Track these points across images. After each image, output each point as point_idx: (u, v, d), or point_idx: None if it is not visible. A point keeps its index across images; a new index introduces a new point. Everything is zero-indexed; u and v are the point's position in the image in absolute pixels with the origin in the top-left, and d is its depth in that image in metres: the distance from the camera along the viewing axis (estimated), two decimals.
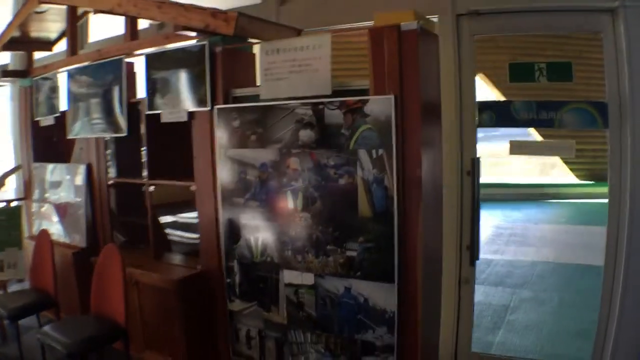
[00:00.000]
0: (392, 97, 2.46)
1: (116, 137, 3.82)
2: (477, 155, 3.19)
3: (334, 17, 3.59)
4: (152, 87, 3.38)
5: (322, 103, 2.61)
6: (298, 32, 3.08)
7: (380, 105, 2.49)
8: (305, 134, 2.68)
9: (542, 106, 2.96)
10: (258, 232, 2.97)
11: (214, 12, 2.66)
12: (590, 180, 8.92)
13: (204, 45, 3.03)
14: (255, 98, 2.95)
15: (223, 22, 2.65)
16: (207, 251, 3.27)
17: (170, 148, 3.63)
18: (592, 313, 3.22)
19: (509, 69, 2.99)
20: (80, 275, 3.91)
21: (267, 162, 2.85)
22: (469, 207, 3.18)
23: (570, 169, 10.70)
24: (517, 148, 3.03)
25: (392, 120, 2.47)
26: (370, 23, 2.61)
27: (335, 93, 2.62)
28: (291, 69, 2.71)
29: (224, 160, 3.04)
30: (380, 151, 2.51)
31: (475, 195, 3.16)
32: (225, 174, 3.05)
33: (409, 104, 2.46)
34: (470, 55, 3.07)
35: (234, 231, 3.07)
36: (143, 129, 3.68)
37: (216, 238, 3.18)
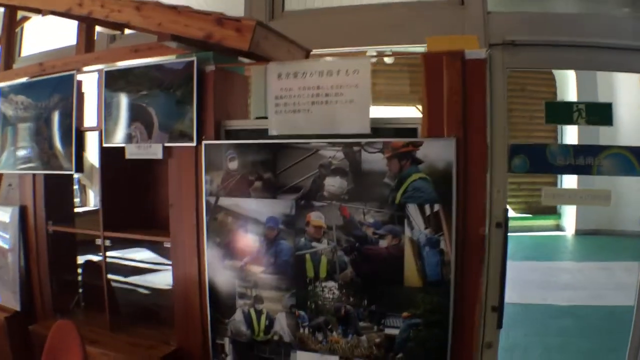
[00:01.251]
0: (453, 139, 1.83)
1: (61, 174, 2.79)
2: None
3: (333, 38, 2.94)
4: (113, 112, 2.47)
5: (358, 144, 1.92)
6: (307, 53, 2.37)
7: (437, 150, 1.85)
8: (334, 183, 1.96)
9: (579, 151, 2.50)
10: (261, 303, 2.15)
11: (220, 18, 1.89)
12: (529, 214, 9.06)
13: (191, 63, 2.21)
14: (252, 134, 2.19)
15: (234, 33, 1.88)
16: (185, 324, 2.38)
17: (134, 191, 2.71)
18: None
19: (546, 108, 2.51)
20: (17, 348, 2.79)
21: (278, 217, 2.07)
22: (497, 264, 2.63)
23: (509, 203, 10.75)
24: (551, 197, 2.53)
25: (453, 168, 1.83)
26: (386, 47, 2.00)
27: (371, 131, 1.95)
28: (314, 99, 1.99)
29: (214, 211, 2.21)
30: (437, 206, 1.86)
31: (505, 250, 2.62)
32: (215, 229, 2.21)
33: (474, 147, 1.86)
34: (503, 90, 2.56)
35: (227, 301, 2.23)
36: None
37: (199, 308, 2.31)
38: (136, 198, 2.76)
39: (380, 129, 1.95)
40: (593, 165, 2.49)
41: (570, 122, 2.47)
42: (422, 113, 1.89)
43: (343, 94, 1.94)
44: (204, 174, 2.21)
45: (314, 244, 2.02)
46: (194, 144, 2.23)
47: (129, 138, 2.47)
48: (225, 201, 2.18)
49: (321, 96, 1.97)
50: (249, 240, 2.14)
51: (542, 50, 2.49)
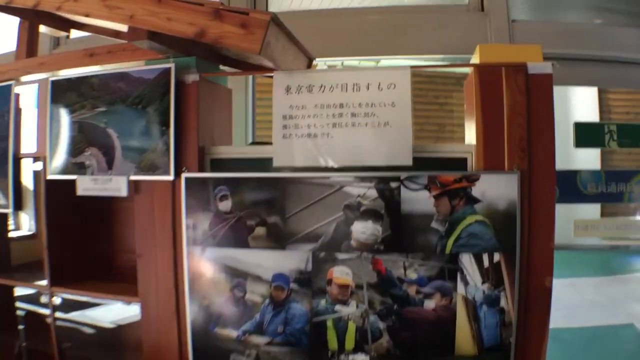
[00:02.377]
0: (517, 173, 1.38)
1: None
2: None
3: (328, 46, 2.42)
4: (61, 134, 1.81)
5: (396, 179, 1.41)
6: (309, 62, 1.84)
7: (498, 186, 1.39)
8: (365, 229, 1.44)
9: (611, 176, 2.14)
10: None
11: (219, 10, 1.34)
12: None
13: (167, 71, 1.62)
14: (246, 165, 1.62)
15: (239, 30, 1.32)
16: None
17: (88, 230, 2.04)
18: None
19: (575, 130, 2.14)
20: None
21: (288, 274, 1.51)
22: None
23: None
24: (583, 229, 2.16)
25: (517, 209, 1.37)
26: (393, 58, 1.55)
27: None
28: (336, 120, 1.47)
29: (200, 265, 1.61)
30: (497, 255, 1.39)
31: None
32: (202, 289, 1.61)
33: (540, 182, 1.41)
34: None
35: None
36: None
37: None
38: (92, 238, 2.09)
39: (419, 159, 1.46)
40: (625, 192, 2.15)
41: (601, 144, 2.12)
42: (476, 139, 1.42)
43: (375, 114, 1.43)
44: (184, 216, 1.61)
45: (337, 307, 1.48)
46: (171, 177, 1.63)
47: (82, 168, 1.82)
48: (215, 253, 1.59)
49: (346, 116, 1.45)
50: (249, 303, 1.56)
51: (564, 66, 2.13)
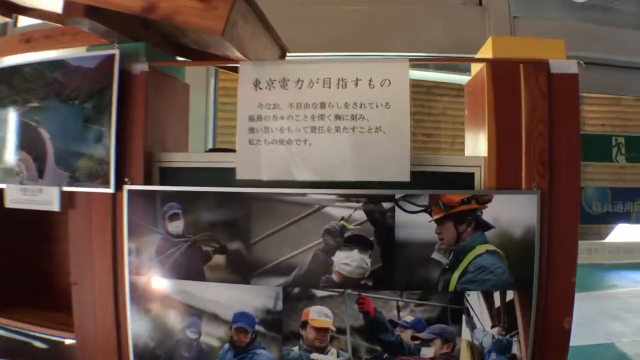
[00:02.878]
0: (536, 193, 1.10)
1: None
2: None
3: (310, 39, 2.10)
4: None
5: (389, 198, 1.11)
6: (282, 53, 1.52)
7: (513, 208, 1.11)
8: (350, 259, 1.13)
9: (618, 194, 1.90)
10: None
11: None
12: None
13: (110, 58, 1.28)
14: (204, 177, 1.29)
15: (199, 4, 1.00)
16: None
17: (24, 250, 1.67)
18: None
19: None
20: None
21: (253, 313, 1.19)
22: None
23: None
24: (587, 253, 1.91)
25: (536, 237, 1.09)
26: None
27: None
28: (316, 124, 1.16)
29: (144, 299, 1.26)
30: (511, 293, 1.10)
31: None
32: (147, 326, 1.26)
33: (563, 205, 1.13)
34: None
35: None
36: None
37: None
38: (26, 255, 1.72)
39: (415, 173, 1.16)
40: (632, 212, 1.91)
41: (608, 159, 1.87)
42: (487, 150, 1.13)
43: (365, 116, 1.13)
44: (126, 238, 1.27)
45: (314, 355, 1.16)
46: (111, 189, 1.29)
47: (11, 175, 1.46)
48: (163, 284, 1.25)
49: (328, 119, 1.15)
50: (204, 347, 1.22)
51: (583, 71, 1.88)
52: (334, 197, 1.13)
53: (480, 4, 1.94)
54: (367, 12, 1.98)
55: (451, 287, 1.12)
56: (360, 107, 1.13)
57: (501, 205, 1.12)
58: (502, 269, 1.13)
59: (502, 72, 1.14)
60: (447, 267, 1.12)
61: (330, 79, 1.15)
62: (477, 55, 1.28)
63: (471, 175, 1.17)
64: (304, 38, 1.91)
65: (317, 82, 1.15)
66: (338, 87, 1.14)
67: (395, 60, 1.13)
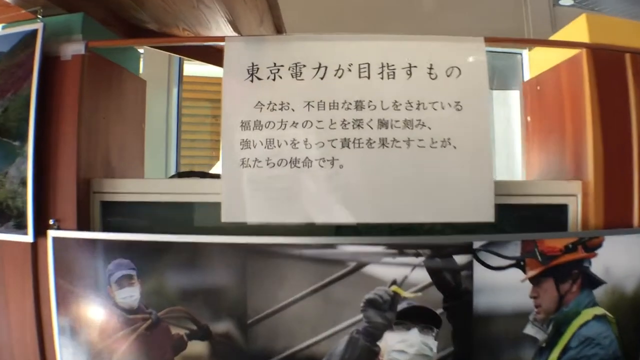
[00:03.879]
0: None
1: None
2: None
3: (316, 25, 1.61)
4: None
5: (464, 248, 0.69)
6: (277, 28, 1.04)
7: (624, 255, 0.73)
8: (407, 344, 0.70)
9: None
10: None
11: None
12: None
13: (30, 37, 0.76)
14: (167, 215, 0.80)
15: None
16: None
17: None
18: None
19: None
20: None
21: None
22: None
23: None
24: None
25: None
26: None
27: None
28: (349, 134, 0.71)
29: None
30: None
31: None
32: None
33: None
34: None
35: None
36: None
37: None
38: None
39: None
40: None
41: None
42: (593, 171, 0.75)
43: (426, 123, 0.70)
44: (54, 312, 0.75)
45: None
46: (29, 237, 0.76)
47: None
48: None
49: (368, 127, 0.70)
50: None
51: None
52: (380, 249, 0.69)
53: None
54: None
55: None
56: (418, 107, 0.70)
57: (613, 250, 0.75)
58: (610, 339, 0.76)
59: (606, 63, 0.77)
60: (543, 344, 0.73)
61: (369, 64, 0.71)
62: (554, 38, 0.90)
63: (563, 209, 0.79)
64: (314, 21, 1.39)
65: (350, 69, 0.71)
66: (382, 77, 0.71)
67: (467, 40, 0.71)
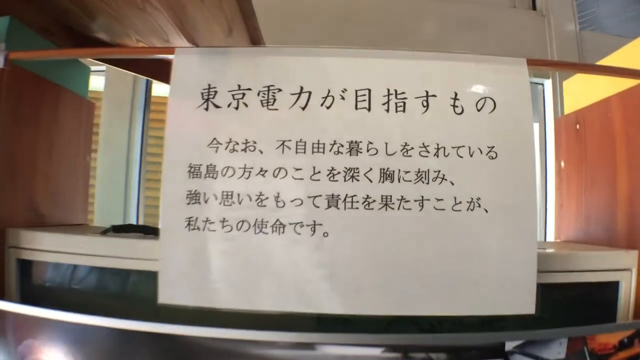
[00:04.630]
0: None
1: None
2: None
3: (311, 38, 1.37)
4: None
5: (494, 349, 0.47)
6: (253, 42, 0.82)
7: None
8: None
9: None
10: None
11: None
12: None
13: None
14: (100, 283, 0.57)
15: None
16: None
17: None
18: None
19: None
20: None
21: None
22: None
23: None
24: None
25: None
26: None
27: None
28: (341, 188, 0.49)
29: None
30: None
31: None
32: None
33: None
34: None
35: None
36: None
37: None
38: None
39: None
40: None
41: None
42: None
43: (447, 176, 0.49)
44: None
45: None
46: None
47: None
48: None
49: (366, 179, 0.49)
50: None
51: None
52: (376, 351, 0.48)
53: (534, 8, 1.33)
54: (393, 9, 1.30)
55: None
56: (437, 154, 0.49)
57: None
58: None
59: None
60: None
61: (369, 90, 0.49)
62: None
63: (612, 288, 0.58)
64: (305, 33, 1.14)
65: (343, 97, 0.49)
66: (387, 109, 0.49)
67: (502, 60, 0.50)
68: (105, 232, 0.57)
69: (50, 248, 0.56)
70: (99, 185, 0.74)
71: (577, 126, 0.69)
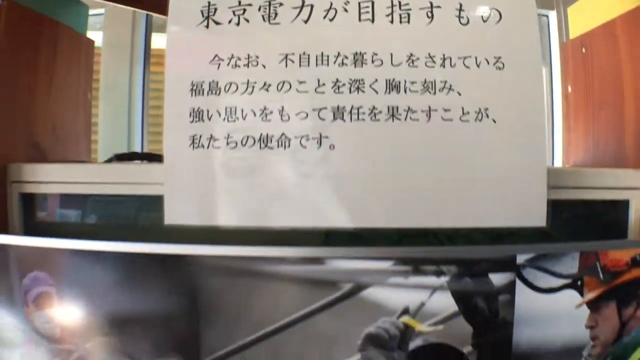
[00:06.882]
0: None
1: None
2: None
3: None
4: None
5: (504, 264, 0.43)
6: None
7: None
8: None
9: None
10: None
11: None
12: None
13: None
14: (104, 212, 0.53)
15: None
16: None
17: None
18: None
19: None
20: None
21: None
22: None
23: None
24: None
25: None
26: None
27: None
28: (343, 100, 0.45)
29: None
30: None
31: None
32: None
33: None
34: None
35: None
36: None
37: None
38: None
39: None
40: None
41: None
42: None
43: (454, 86, 0.45)
44: None
45: None
46: None
47: None
48: None
49: (372, 91, 0.45)
50: None
51: None
52: (386, 265, 0.44)
53: None
54: None
55: None
56: (443, 64, 0.44)
57: None
58: None
59: None
60: None
61: (373, 2, 0.45)
62: None
63: (624, 205, 0.54)
64: None
65: (346, 9, 0.44)
66: (391, 21, 0.45)
67: None
68: (108, 161, 0.53)
69: (53, 179, 0.52)
70: (102, 126, 0.70)
71: (583, 50, 0.65)
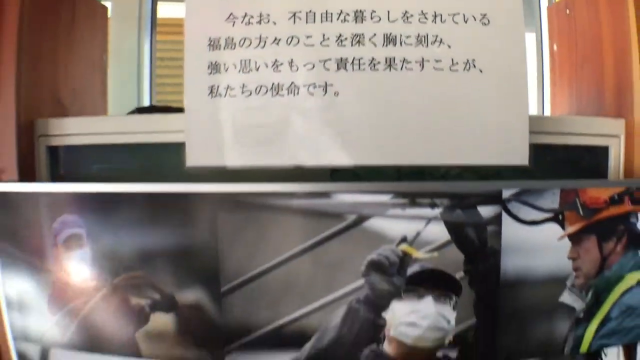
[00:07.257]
0: None
1: None
2: None
3: None
4: None
5: (492, 198, 0.48)
6: None
7: None
8: (418, 316, 0.50)
9: None
10: None
11: None
12: None
13: None
14: (128, 161, 0.59)
15: None
16: None
17: None
18: None
19: None
20: None
21: None
22: None
23: None
24: None
25: None
26: None
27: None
28: (346, 52, 0.49)
29: None
30: None
31: None
32: None
33: None
34: None
35: None
36: None
37: None
38: None
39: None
40: None
41: None
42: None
43: (445, 40, 0.49)
44: None
45: None
46: None
47: None
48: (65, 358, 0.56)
49: (371, 44, 0.49)
50: None
51: None
52: (386, 198, 0.49)
53: None
54: None
55: (583, 347, 0.55)
56: (434, 20, 0.49)
57: None
58: None
59: None
60: (581, 315, 0.54)
61: None
62: None
63: (603, 152, 0.59)
64: None
65: None
66: None
67: None
68: (129, 113, 0.57)
69: (79, 131, 0.57)
70: (111, 94, 0.74)
71: (567, 11, 0.69)
